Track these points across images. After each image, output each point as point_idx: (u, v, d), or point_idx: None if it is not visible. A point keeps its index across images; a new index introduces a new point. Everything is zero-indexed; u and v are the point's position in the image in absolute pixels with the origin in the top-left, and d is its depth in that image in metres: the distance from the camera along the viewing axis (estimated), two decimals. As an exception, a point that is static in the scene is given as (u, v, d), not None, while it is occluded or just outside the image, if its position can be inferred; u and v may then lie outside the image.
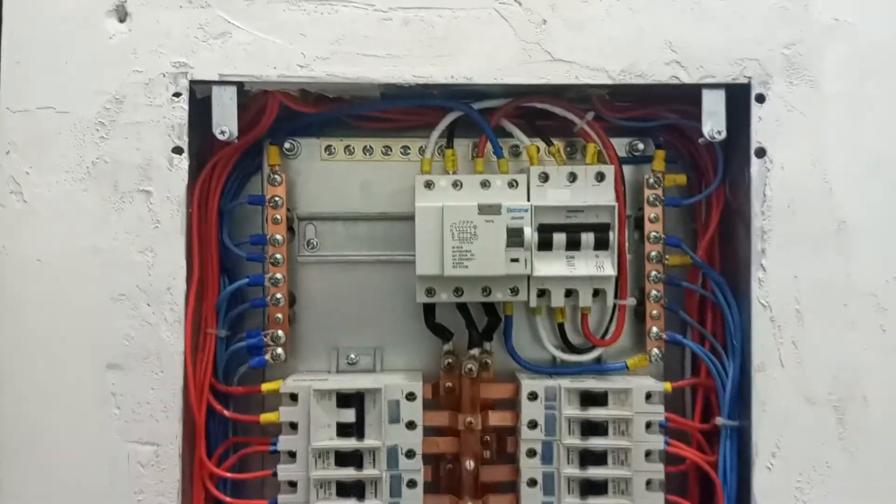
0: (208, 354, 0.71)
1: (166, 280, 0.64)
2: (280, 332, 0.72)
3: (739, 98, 0.67)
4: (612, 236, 0.67)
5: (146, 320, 0.64)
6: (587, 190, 0.68)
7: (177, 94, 0.64)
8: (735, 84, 0.66)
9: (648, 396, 0.68)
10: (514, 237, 0.66)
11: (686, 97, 0.69)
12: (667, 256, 0.72)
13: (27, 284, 0.64)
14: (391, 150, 0.75)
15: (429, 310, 0.72)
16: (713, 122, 0.66)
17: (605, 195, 0.68)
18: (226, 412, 0.70)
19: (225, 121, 0.65)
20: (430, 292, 0.69)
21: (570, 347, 0.74)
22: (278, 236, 0.71)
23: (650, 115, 0.72)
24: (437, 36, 0.65)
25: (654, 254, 0.72)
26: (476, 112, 0.70)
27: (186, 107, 0.65)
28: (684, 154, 0.75)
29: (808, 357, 0.65)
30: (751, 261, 0.66)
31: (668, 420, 0.69)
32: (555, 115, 0.71)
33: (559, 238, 0.67)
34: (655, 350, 0.73)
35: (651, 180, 0.72)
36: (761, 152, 0.66)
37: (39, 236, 0.64)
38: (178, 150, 0.65)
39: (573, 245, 0.67)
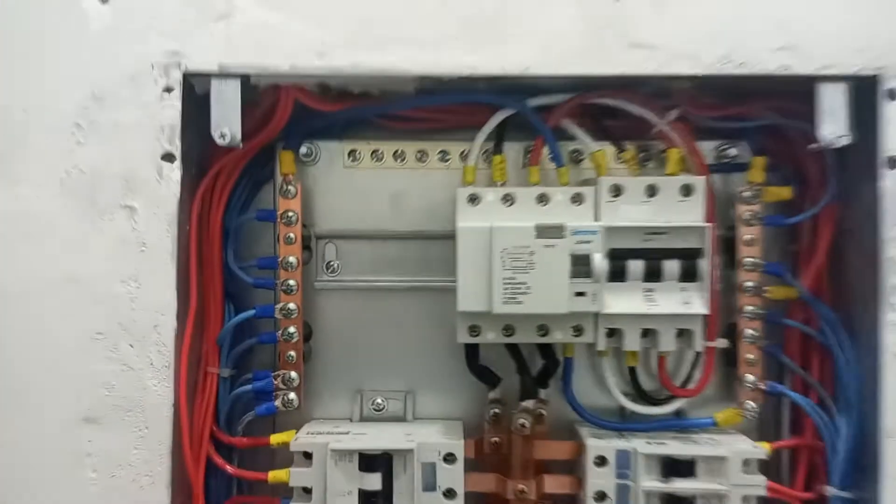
0: (209, 397, 0.60)
1: (153, 316, 0.53)
2: (293, 374, 0.60)
3: (864, 94, 0.53)
4: (703, 265, 0.54)
5: (129, 365, 0.53)
6: (671, 206, 0.55)
7: (168, 90, 0.53)
8: (860, 76, 0.53)
9: (746, 464, 0.55)
10: (581, 266, 0.53)
11: (786, 92, 0.56)
12: (766, 288, 0.59)
13: (-13, 319, 0.53)
14: (427, 156, 0.62)
15: (472, 350, 0.59)
16: (833, 124, 0.52)
17: (693, 213, 0.55)
18: (228, 467, 0.59)
19: (226, 122, 0.53)
20: (474, 331, 0.56)
21: (642, 396, 0.61)
22: (292, 258, 0.60)
23: (746, 114, 0.59)
24: (486, 16, 0.53)
25: (749, 284, 0.59)
26: (532, 110, 0.58)
27: (179, 105, 0.53)
28: (783, 162, 0.62)
29: (957, 423, 0.52)
30: (877, 299, 0.53)
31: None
32: (619, 113, 0.58)
33: (636, 266, 0.54)
34: (750, 402, 0.59)
35: (747, 194, 0.59)
36: (894, 162, 0.52)
37: (2, 261, 0.53)
38: (168, 157, 0.53)
39: (653, 275, 0.54)
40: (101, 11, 0.53)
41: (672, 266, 0.54)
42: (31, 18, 0.53)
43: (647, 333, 0.57)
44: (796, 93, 0.55)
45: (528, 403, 0.58)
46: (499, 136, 0.59)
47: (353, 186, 0.63)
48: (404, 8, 0.53)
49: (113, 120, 0.53)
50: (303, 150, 0.62)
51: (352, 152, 0.63)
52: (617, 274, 0.54)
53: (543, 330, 0.56)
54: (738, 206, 0.59)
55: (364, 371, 0.63)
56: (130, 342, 0.53)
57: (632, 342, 0.56)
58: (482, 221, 0.54)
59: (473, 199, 0.56)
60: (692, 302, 0.54)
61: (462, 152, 0.62)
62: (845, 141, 0.53)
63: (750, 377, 0.59)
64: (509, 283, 0.53)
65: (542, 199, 0.56)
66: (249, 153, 0.60)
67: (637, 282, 0.55)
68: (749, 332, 0.59)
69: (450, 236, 0.60)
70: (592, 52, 0.52)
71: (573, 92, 0.58)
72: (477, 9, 0.52)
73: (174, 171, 0.53)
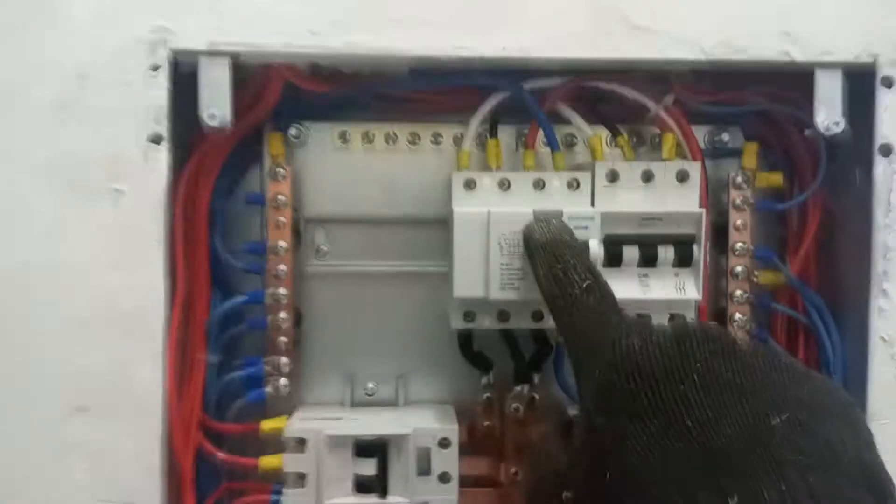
0: (197, 385, 0.58)
1: (142, 303, 0.51)
2: (284, 360, 0.59)
3: (858, 81, 0.54)
4: (697, 251, 0.54)
5: (117, 353, 0.51)
6: (666, 192, 0.55)
7: (155, 68, 0.51)
8: (855, 63, 0.53)
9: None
10: (577, 252, 0.53)
11: (777, 78, 0.56)
12: (756, 273, 0.60)
13: (-36, 309, 0.51)
14: (419, 139, 0.61)
15: (465, 336, 0.59)
16: (829, 112, 0.53)
17: (688, 199, 0.55)
18: (219, 454, 0.58)
19: (216, 102, 0.52)
20: (468, 317, 0.56)
21: (633, 379, 0.61)
22: (282, 243, 0.58)
23: (739, 100, 0.59)
24: (485, -3, 0.52)
25: (739, 269, 0.59)
26: (528, 93, 0.57)
27: (167, 84, 0.51)
28: (774, 148, 0.62)
29: (941, 406, 0.53)
30: (868, 284, 0.54)
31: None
32: (613, 98, 0.58)
33: (630, 252, 0.54)
34: (738, 385, 0.60)
35: (739, 179, 0.59)
36: (887, 149, 0.53)
37: (-19, 248, 0.51)
38: (156, 139, 0.51)
39: (648, 261, 0.54)
40: (83, -14, 0.51)
41: (667, 252, 0.54)
42: (7, -8, 0.51)
43: (640, 317, 0.57)
44: (789, 80, 0.56)
45: (522, 388, 0.58)
46: (494, 120, 0.58)
47: (344, 169, 0.61)
48: (401, -13, 0.51)
49: (97, 101, 0.51)
50: (292, 131, 0.60)
51: (342, 134, 0.61)
52: (612, 259, 0.54)
53: (538, 316, 0.56)
54: (729, 192, 0.59)
55: (355, 356, 0.63)
56: (118, 330, 0.51)
57: (626, 327, 0.56)
58: (479, 207, 0.54)
59: (469, 185, 0.55)
60: (686, 288, 0.55)
61: (456, 136, 0.61)
62: (840, 128, 0.53)
63: (739, 360, 0.60)
64: (506, 269, 0.53)
65: (539, 184, 0.55)
66: (237, 136, 0.58)
67: (632, 267, 0.55)
68: (738, 316, 0.60)
69: (442, 221, 0.60)
70: (594, 36, 0.51)
71: (568, 75, 0.57)
72: (477, -10, 0.51)
73: (162, 153, 0.51)
